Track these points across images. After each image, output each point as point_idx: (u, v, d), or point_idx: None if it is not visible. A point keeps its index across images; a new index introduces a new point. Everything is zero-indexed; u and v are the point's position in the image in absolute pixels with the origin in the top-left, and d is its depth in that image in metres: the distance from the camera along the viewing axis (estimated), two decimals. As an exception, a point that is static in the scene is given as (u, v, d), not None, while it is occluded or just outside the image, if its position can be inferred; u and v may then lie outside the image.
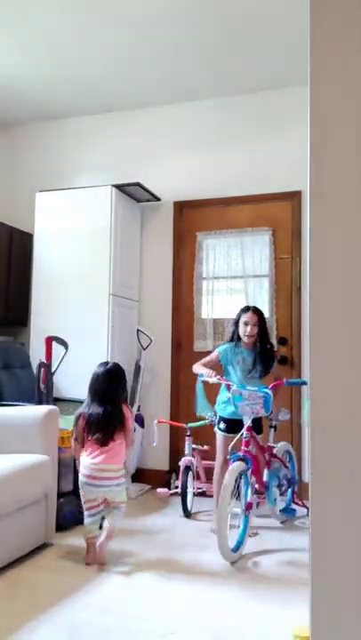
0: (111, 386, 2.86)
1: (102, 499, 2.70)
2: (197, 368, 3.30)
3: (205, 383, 3.32)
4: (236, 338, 3.32)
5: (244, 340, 3.27)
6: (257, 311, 3.30)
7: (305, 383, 3.17)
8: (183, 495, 3.48)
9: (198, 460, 3.78)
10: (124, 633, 2.00)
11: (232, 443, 3.17)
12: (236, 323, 3.32)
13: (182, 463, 3.61)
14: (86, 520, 2.72)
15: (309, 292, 1.25)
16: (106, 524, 2.72)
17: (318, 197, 1.24)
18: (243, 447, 2.97)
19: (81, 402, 3.90)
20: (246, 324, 3.25)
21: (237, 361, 3.31)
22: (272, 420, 3.36)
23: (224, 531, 2.62)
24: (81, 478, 2.71)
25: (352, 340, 1.21)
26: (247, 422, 3.01)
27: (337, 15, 1.26)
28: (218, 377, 3.17)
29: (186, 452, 3.69)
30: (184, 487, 3.49)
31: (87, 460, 2.70)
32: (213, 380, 3.16)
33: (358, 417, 1.19)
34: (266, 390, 2.96)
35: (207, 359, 3.36)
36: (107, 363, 2.99)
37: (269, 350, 3.33)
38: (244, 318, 3.27)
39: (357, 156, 1.23)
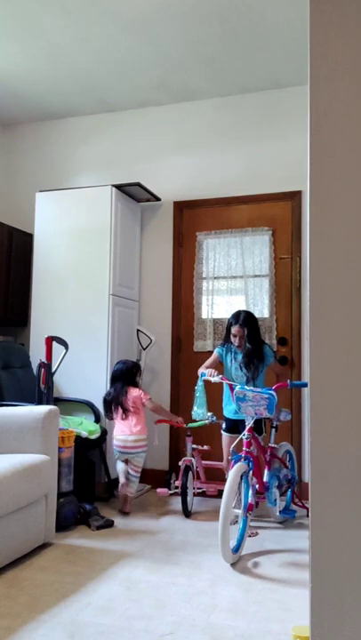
0: (122, 375, 3.69)
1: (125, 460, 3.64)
2: (202, 370, 3.41)
3: (207, 384, 3.34)
4: (229, 340, 3.47)
5: (235, 344, 3.42)
6: (244, 324, 3.36)
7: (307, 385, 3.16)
8: (183, 495, 3.48)
9: (198, 460, 3.78)
10: (124, 633, 2.00)
11: (234, 443, 3.18)
12: (228, 328, 3.46)
13: (182, 463, 3.61)
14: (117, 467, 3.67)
15: (309, 291, 1.25)
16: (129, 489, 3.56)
17: (318, 197, 1.24)
18: (244, 448, 2.97)
19: (81, 402, 3.95)
20: (234, 335, 3.40)
21: (230, 360, 3.45)
22: (273, 421, 3.37)
23: (226, 532, 2.61)
24: (114, 448, 3.65)
25: (352, 339, 1.21)
26: (249, 423, 3.02)
27: (337, 15, 1.26)
28: (220, 377, 3.22)
29: (186, 452, 3.69)
30: (184, 487, 3.49)
31: (116, 434, 3.61)
32: (216, 379, 3.21)
33: (358, 417, 1.19)
34: (271, 392, 2.97)
35: (209, 360, 3.50)
36: (125, 361, 3.79)
37: (261, 348, 3.40)
38: (232, 330, 3.40)
39: (357, 156, 1.23)
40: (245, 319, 3.37)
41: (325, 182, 1.24)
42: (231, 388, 3.13)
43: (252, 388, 3.04)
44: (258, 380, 3.41)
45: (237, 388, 3.03)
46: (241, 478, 2.87)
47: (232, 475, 2.73)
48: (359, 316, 1.20)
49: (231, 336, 3.41)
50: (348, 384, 1.20)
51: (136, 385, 3.72)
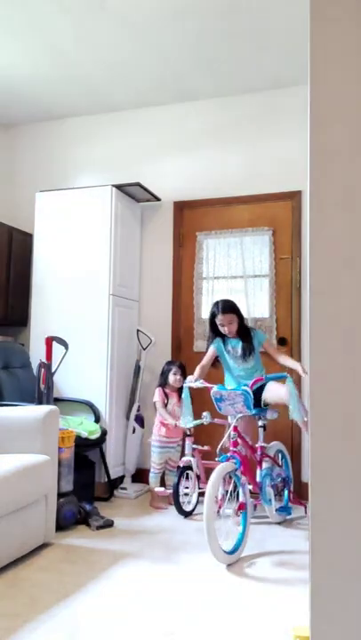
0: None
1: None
2: (197, 369, 3.42)
3: (193, 389, 3.33)
4: (217, 332, 3.47)
5: (227, 335, 3.43)
6: (226, 309, 3.39)
7: (285, 377, 3.14)
8: (175, 495, 3.48)
9: (198, 460, 3.77)
10: (124, 633, 2.00)
11: (227, 439, 3.18)
12: (212, 322, 3.45)
13: (180, 463, 3.61)
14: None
15: (309, 292, 1.25)
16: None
17: (318, 197, 1.24)
18: (231, 447, 2.96)
19: (81, 402, 3.94)
20: (222, 325, 3.40)
21: (228, 351, 3.46)
22: (260, 420, 3.35)
23: (212, 531, 2.59)
24: None
25: (352, 340, 1.21)
26: (233, 422, 3.03)
27: (337, 15, 1.26)
28: (201, 381, 3.22)
29: (186, 452, 3.69)
30: (176, 487, 3.48)
31: None
32: (197, 384, 3.20)
33: (358, 417, 1.19)
34: (245, 388, 2.97)
35: (206, 358, 3.50)
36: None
37: (249, 335, 3.44)
38: (218, 320, 3.40)
39: (358, 156, 1.23)
40: (226, 306, 3.40)
41: (325, 182, 1.24)
42: (209, 389, 3.13)
43: (225, 386, 3.06)
44: (255, 364, 3.41)
45: (214, 389, 3.04)
46: (231, 478, 2.88)
47: (214, 474, 2.73)
48: (359, 316, 1.20)
49: (220, 327, 3.40)
50: (348, 384, 1.20)
51: (159, 385, 3.96)
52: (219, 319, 3.38)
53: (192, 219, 4.40)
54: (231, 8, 3.24)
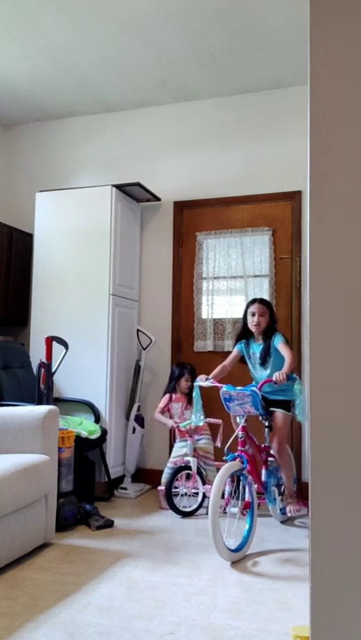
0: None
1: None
2: (215, 370, 3.41)
3: (203, 388, 3.34)
4: (246, 332, 3.42)
5: (252, 330, 3.37)
6: (264, 302, 3.40)
7: (295, 379, 3.18)
8: (168, 495, 3.48)
9: (199, 460, 3.77)
10: (124, 633, 2.00)
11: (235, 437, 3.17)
12: (245, 316, 3.42)
13: (180, 463, 3.62)
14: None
15: (309, 291, 1.25)
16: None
17: (318, 197, 1.24)
18: (239, 447, 2.98)
19: (81, 402, 3.94)
20: (253, 314, 3.35)
21: (250, 356, 3.43)
22: (266, 420, 3.36)
23: (217, 528, 2.60)
24: None
25: (352, 340, 1.21)
26: (241, 422, 3.04)
27: (337, 15, 1.26)
28: (211, 380, 3.22)
29: (186, 452, 3.69)
30: (168, 487, 3.49)
31: None
32: (207, 383, 3.21)
33: (358, 417, 1.19)
34: (253, 389, 2.98)
35: (228, 359, 3.46)
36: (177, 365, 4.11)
37: (271, 338, 3.34)
38: (251, 309, 3.37)
39: (358, 156, 1.23)
40: (264, 299, 3.42)
41: (325, 182, 1.24)
42: (218, 389, 3.14)
43: (233, 386, 3.05)
44: (272, 372, 3.30)
45: (222, 389, 3.05)
46: (238, 478, 2.88)
47: (221, 472, 2.75)
48: (359, 315, 1.20)
49: (249, 315, 3.36)
50: (348, 384, 1.20)
51: (167, 391, 3.97)
52: (253, 308, 3.35)
53: (192, 219, 4.40)
54: (231, 8, 3.24)
